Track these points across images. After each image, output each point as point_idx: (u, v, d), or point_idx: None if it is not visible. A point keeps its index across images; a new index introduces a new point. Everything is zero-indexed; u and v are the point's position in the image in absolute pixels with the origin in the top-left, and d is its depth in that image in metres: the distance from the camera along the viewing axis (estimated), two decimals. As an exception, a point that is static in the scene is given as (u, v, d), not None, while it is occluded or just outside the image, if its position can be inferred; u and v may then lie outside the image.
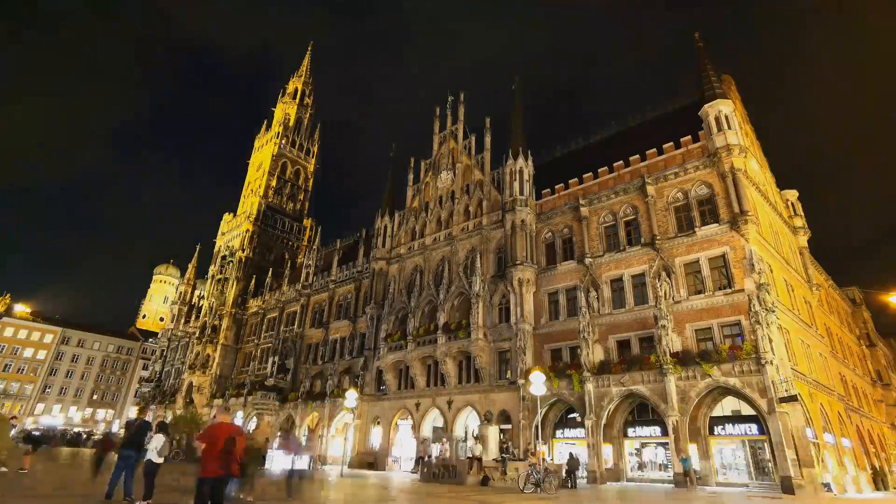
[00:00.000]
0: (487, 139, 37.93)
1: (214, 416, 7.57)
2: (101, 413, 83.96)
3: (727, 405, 22.82)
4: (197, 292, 68.83)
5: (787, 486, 18.38)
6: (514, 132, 35.50)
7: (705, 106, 27.01)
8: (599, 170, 30.90)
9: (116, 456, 10.10)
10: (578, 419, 25.59)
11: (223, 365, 53.81)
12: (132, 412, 65.60)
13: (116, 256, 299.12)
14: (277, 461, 32.29)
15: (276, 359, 46.56)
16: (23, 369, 77.17)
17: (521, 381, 26.96)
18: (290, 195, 71.68)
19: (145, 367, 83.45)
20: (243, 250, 60.56)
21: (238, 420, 46.33)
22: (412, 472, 28.17)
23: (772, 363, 20.00)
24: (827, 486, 20.85)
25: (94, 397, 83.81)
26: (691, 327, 23.77)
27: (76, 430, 63.79)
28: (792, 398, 19.60)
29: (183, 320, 65.37)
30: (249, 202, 66.62)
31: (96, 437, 53.59)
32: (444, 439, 28.82)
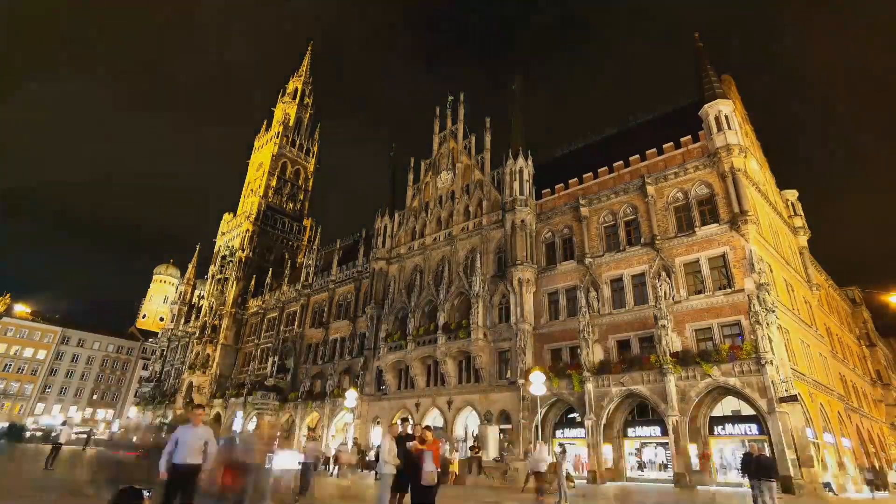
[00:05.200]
0: (487, 139, 37.91)
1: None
2: (101, 413, 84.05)
3: (727, 405, 22.81)
4: (197, 292, 68.78)
5: (787, 486, 18.38)
6: (514, 132, 35.49)
7: (705, 106, 27.00)
8: (599, 170, 30.88)
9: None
10: (578, 419, 25.59)
11: (223, 365, 53.80)
12: (132, 412, 65.65)
13: (116, 256, 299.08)
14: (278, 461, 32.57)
15: (276, 359, 46.60)
16: (23, 369, 77.24)
17: (521, 381, 26.97)
18: (290, 195, 71.64)
19: (145, 367, 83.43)
20: (243, 250, 60.56)
21: (238, 420, 46.45)
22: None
23: (772, 363, 20.02)
24: (827, 486, 20.86)
25: (94, 397, 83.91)
26: (691, 327, 23.78)
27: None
28: (792, 398, 19.61)
29: (183, 320, 65.36)
30: (249, 202, 66.61)
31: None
32: (444, 439, 28.80)
